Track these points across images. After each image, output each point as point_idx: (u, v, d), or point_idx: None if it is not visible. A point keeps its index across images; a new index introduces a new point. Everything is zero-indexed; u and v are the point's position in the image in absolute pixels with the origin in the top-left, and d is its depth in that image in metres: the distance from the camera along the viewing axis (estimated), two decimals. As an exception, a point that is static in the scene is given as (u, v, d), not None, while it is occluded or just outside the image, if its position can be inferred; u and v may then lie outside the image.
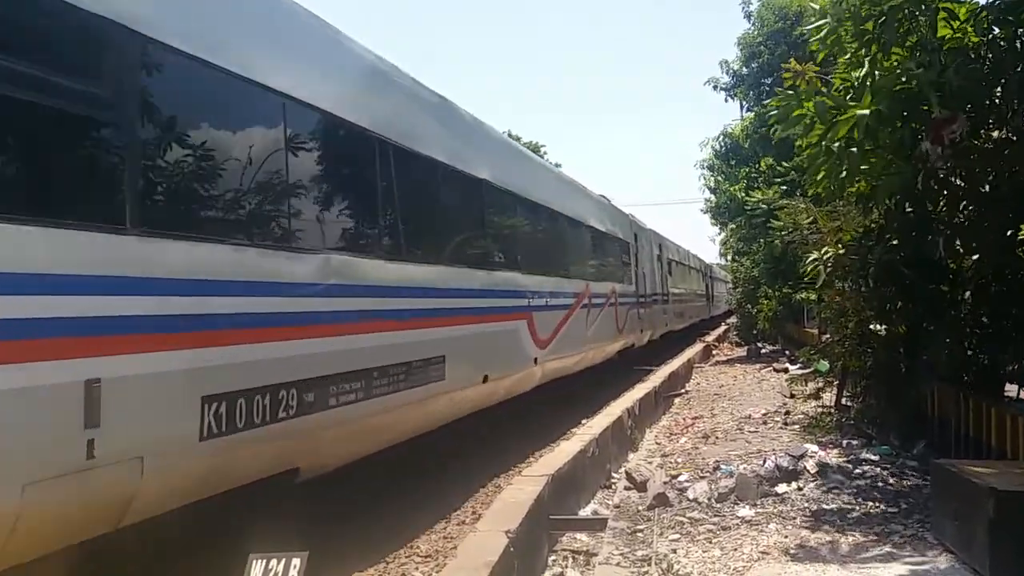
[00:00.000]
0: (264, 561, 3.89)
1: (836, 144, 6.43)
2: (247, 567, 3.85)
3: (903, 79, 6.33)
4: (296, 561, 3.86)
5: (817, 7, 6.74)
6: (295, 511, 5.57)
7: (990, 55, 6.46)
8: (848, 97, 6.62)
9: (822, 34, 6.65)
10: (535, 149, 45.11)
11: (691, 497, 7.17)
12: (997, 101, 6.74)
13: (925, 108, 6.41)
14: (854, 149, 6.48)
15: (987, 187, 6.90)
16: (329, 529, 6.13)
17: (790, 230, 10.33)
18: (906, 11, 6.22)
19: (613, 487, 8.24)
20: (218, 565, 4.62)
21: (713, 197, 28.62)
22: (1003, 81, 6.58)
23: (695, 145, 33.83)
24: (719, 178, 27.11)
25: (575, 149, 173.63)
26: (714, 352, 26.56)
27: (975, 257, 7.29)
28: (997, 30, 6.46)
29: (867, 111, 6.13)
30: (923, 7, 6.25)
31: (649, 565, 5.58)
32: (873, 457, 7.94)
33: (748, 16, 23.97)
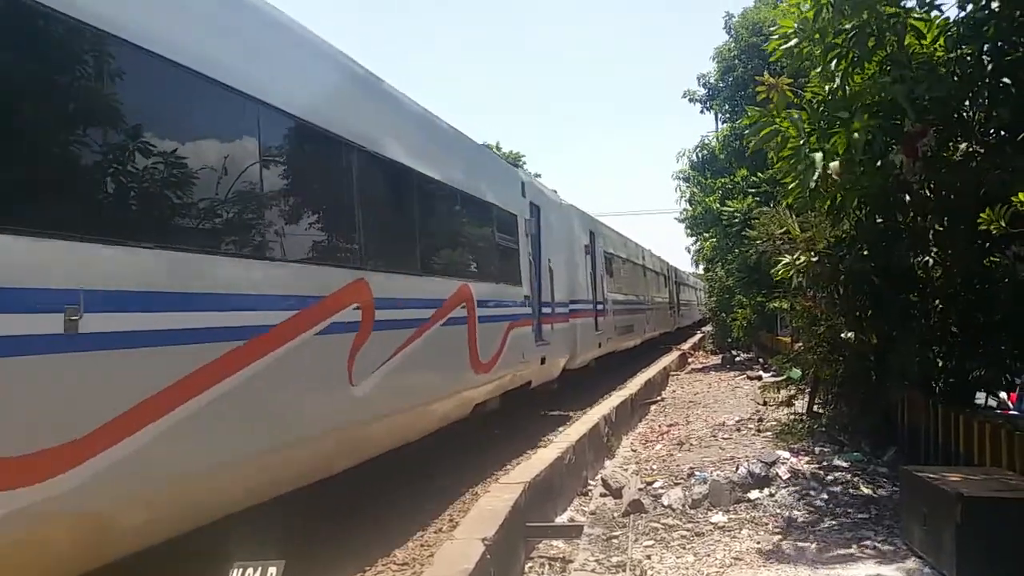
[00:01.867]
0: (241, 569, 3.90)
1: (818, 155, 6.54)
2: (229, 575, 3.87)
3: (876, 93, 6.47)
4: (273, 570, 3.87)
5: (781, 31, 6.87)
6: (272, 520, 5.56)
7: (957, 70, 6.62)
8: (821, 111, 6.75)
9: (789, 44, 6.77)
10: (516, 158, 44.86)
11: (666, 503, 7.24)
12: (964, 115, 6.90)
13: (896, 122, 6.56)
14: (834, 163, 6.63)
15: (953, 197, 7.06)
16: (306, 538, 6.12)
17: (764, 239, 10.45)
18: (874, 27, 6.35)
19: (589, 494, 8.29)
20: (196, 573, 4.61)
21: (689, 207, 28.86)
22: (970, 95, 6.75)
23: (672, 156, 32.54)
24: (695, 189, 27.36)
25: (556, 159, 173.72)
26: (690, 360, 26.72)
27: (945, 266, 7.43)
28: (965, 46, 6.62)
29: (860, 132, 6.27)
30: (890, 24, 6.39)
31: (624, 571, 5.63)
32: (844, 464, 8.04)
33: (729, 30, 24.25)
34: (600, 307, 17.43)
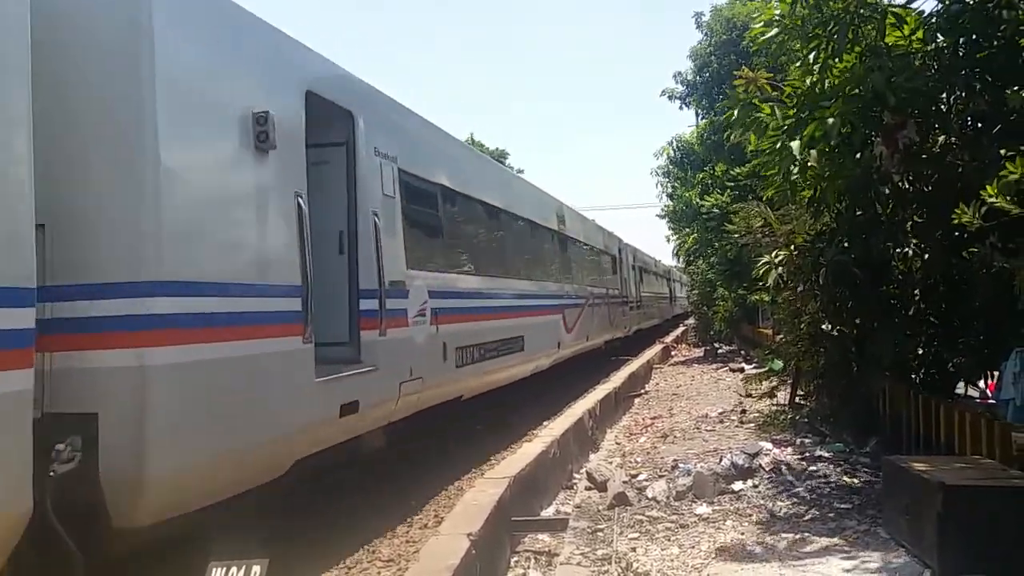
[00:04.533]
0: (224, 568, 3.85)
1: (795, 143, 6.55)
2: (207, 574, 3.81)
3: (856, 84, 6.50)
4: (256, 568, 3.82)
5: (765, 16, 6.87)
6: (255, 517, 5.52)
7: (935, 63, 6.66)
8: (801, 103, 6.78)
9: (771, 34, 6.79)
10: (501, 156, 44.89)
11: (650, 496, 7.26)
12: (943, 107, 6.96)
13: (874, 113, 6.60)
14: (812, 151, 6.66)
15: (931, 188, 7.12)
16: (289, 534, 6.08)
17: (743, 233, 10.50)
18: (853, 17, 6.38)
19: (574, 487, 8.29)
20: (179, 572, 4.57)
21: (670, 203, 29.01)
22: (947, 87, 6.80)
23: (654, 152, 30.41)
24: (675, 184, 27.49)
25: (554, 159, 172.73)
26: (672, 353, 26.82)
27: (924, 258, 7.49)
28: (941, 38, 6.67)
29: (835, 119, 6.29)
30: (869, 13, 6.42)
31: (609, 564, 5.64)
32: (826, 454, 8.09)
33: (700, 27, 24.37)
34: (375, 308, 7.31)
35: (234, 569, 3.82)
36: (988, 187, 4.92)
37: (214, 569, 3.82)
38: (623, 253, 24.87)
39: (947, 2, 6.55)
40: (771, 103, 6.72)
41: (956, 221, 5.31)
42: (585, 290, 17.78)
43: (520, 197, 14.18)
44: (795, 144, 6.54)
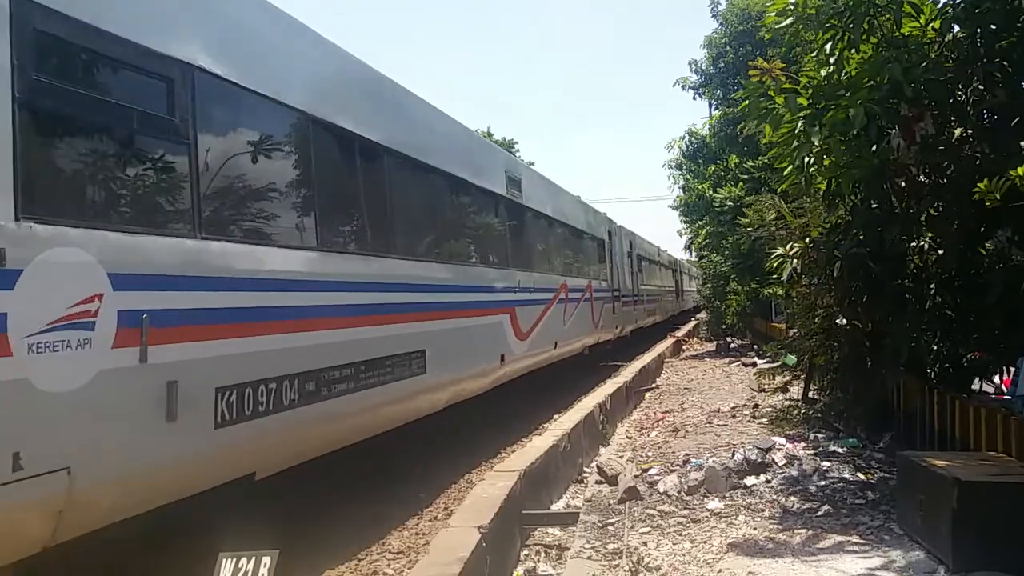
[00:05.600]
0: (234, 560, 3.86)
1: (815, 129, 6.48)
2: (217, 566, 3.82)
3: (873, 75, 6.43)
4: (267, 559, 3.83)
5: (779, 5, 6.80)
6: (266, 508, 5.53)
7: (953, 54, 6.58)
8: (817, 95, 6.71)
9: (785, 23, 6.72)
10: (509, 145, 44.88)
11: (661, 490, 7.23)
12: (960, 99, 6.87)
13: (891, 105, 6.53)
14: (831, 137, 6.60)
15: (948, 181, 7.04)
16: (300, 527, 6.09)
17: (757, 226, 10.43)
18: (869, 4, 6.30)
19: (585, 481, 8.28)
20: (187, 564, 4.58)
21: (683, 195, 28.90)
22: (964, 77, 6.71)
23: (667, 143, 29.50)
24: (688, 176, 27.40)
25: (561, 157, 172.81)
26: (684, 347, 26.74)
27: (939, 251, 7.42)
28: (958, 28, 6.59)
29: (857, 109, 6.23)
30: (886, 2, 6.35)
31: (620, 558, 5.62)
32: (840, 450, 8.04)
33: (716, 16, 24.28)
34: None
35: (244, 560, 3.82)
36: (1020, 167, 4.87)
37: (224, 560, 3.83)
38: (615, 237, 20.72)
39: None
40: (785, 94, 6.65)
41: (977, 197, 5.25)
42: (554, 281, 13.99)
43: (425, 132, 9.07)
44: (814, 130, 6.47)
